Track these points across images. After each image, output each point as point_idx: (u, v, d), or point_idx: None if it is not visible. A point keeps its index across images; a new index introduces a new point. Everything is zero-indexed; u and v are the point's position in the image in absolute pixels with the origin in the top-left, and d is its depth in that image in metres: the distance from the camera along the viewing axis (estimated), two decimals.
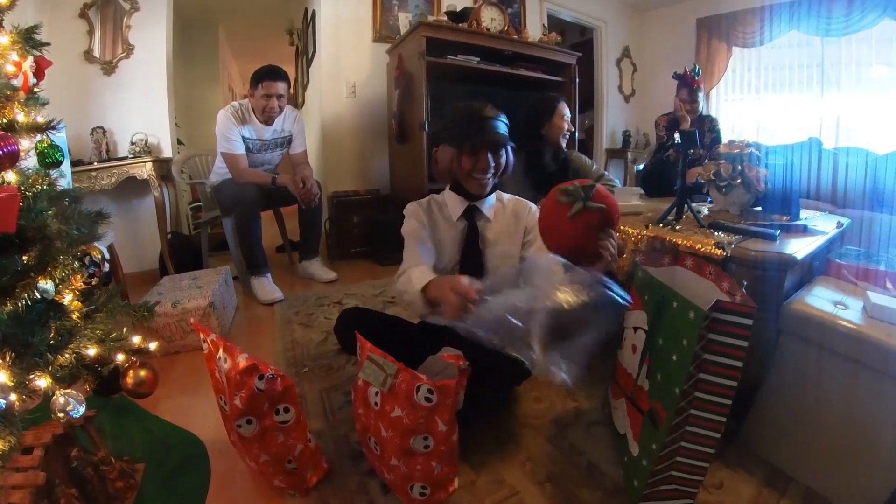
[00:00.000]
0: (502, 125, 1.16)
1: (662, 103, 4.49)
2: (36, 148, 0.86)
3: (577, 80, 3.20)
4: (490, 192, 1.23)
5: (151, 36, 2.70)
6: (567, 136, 2.07)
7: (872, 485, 0.89)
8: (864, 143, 3.51)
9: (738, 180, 1.50)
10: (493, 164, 1.14)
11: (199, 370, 1.52)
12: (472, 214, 1.22)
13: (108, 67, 2.63)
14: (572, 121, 3.16)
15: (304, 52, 4.16)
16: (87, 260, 0.88)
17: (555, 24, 4.31)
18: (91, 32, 2.58)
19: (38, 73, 0.99)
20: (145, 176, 2.50)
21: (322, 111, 3.08)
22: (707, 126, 2.52)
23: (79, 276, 0.83)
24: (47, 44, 0.92)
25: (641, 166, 3.01)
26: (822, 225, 1.51)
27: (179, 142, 3.26)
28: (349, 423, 1.19)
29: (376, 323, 1.27)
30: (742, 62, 4.09)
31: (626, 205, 1.38)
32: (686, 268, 1.09)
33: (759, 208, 1.56)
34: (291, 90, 3.23)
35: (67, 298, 0.81)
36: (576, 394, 1.39)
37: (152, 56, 2.71)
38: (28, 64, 0.94)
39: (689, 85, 2.46)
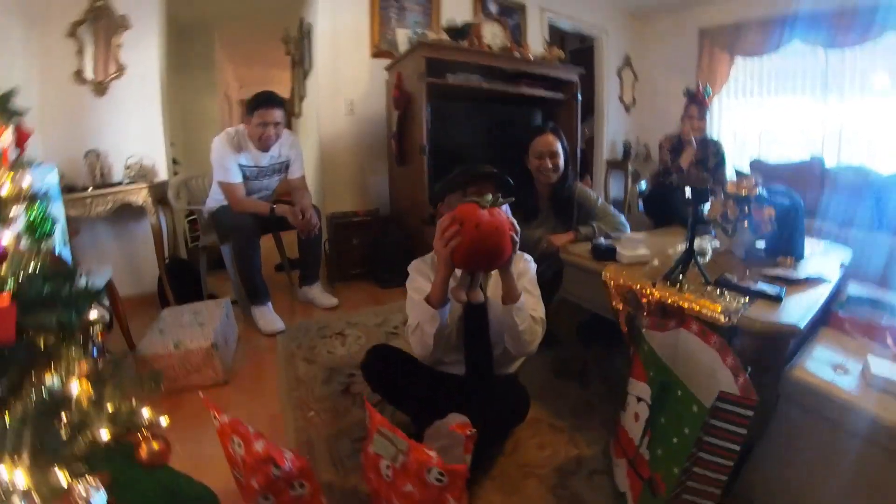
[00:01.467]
0: (503, 179, 1.21)
1: (664, 113, 4.48)
2: (27, 214, 0.84)
3: (580, 98, 3.16)
4: None
5: (143, 54, 2.63)
6: (554, 174, 1.80)
7: None
8: (866, 153, 3.51)
9: (745, 223, 1.48)
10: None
11: (205, 412, 1.52)
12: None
13: (100, 88, 2.56)
14: (572, 138, 3.16)
15: (301, 63, 4.11)
16: (90, 343, 0.86)
17: (555, 32, 4.27)
18: (81, 52, 2.50)
19: (20, 142, 0.96)
20: (141, 203, 2.44)
21: (320, 129, 3.05)
22: (711, 150, 2.50)
23: (84, 364, 0.81)
24: (23, 113, 0.90)
25: (644, 185, 2.99)
26: (827, 266, 1.50)
27: (175, 161, 3.22)
28: (358, 473, 1.18)
29: (405, 366, 1.29)
30: (744, 70, 4.05)
31: (631, 255, 1.36)
32: (691, 332, 1.08)
33: (763, 245, 1.55)
34: (289, 98, 3.13)
35: (75, 388, 0.79)
36: (578, 440, 1.39)
37: (145, 75, 2.65)
38: (7, 137, 0.91)
39: (699, 103, 2.44)
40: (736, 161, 3.98)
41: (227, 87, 6.56)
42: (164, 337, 1.70)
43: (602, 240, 1.46)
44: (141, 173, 2.55)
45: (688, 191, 1.20)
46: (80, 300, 0.84)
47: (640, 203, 2.85)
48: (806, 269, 1.40)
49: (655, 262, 1.44)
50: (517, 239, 1.04)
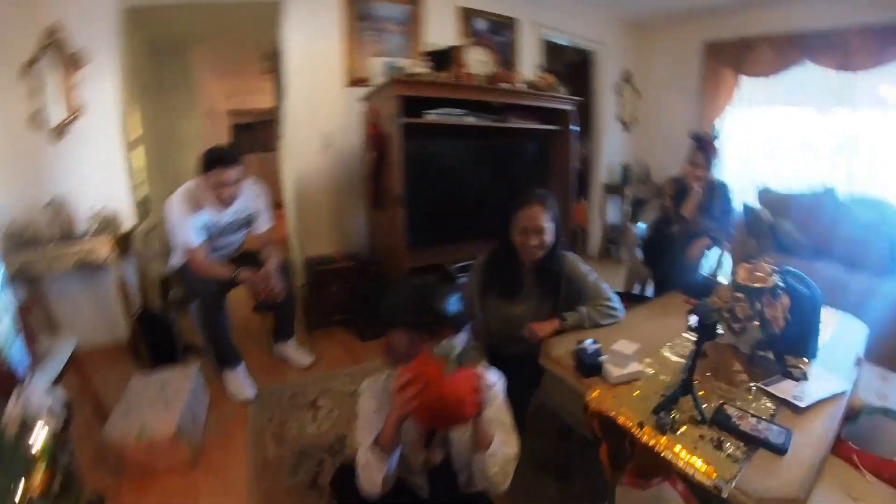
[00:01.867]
0: (458, 306, 1.01)
1: (665, 134, 4.25)
2: None
3: (576, 128, 2.94)
4: None
5: (103, 92, 2.45)
6: (541, 248, 1.53)
7: None
8: (880, 177, 3.27)
9: (756, 322, 1.28)
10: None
11: (176, 494, 1.51)
12: None
13: (58, 132, 2.38)
14: (566, 172, 2.92)
15: (279, 83, 3.90)
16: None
17: (549, 45, 4.03)
18: (35, 94, 2.31)
19: None
20: (103, 258, 2.27)
21: (295, 166, 2.85)
22: (717, 194, 2.29)
23: None
24: None
25: (642, 227, 2.77)
26: (840, 367, 1.32)
27: (143, 201, 3.03)
28: None
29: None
30: (750, 83, 3.79)
31: (620, 374, 1.16)
32: (676, 490, 0.90)
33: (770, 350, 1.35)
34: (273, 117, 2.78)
35: None
36: None
37: (104, 115, 2.46)
38: None
39: (704, 149, 2.23)
40: (739, 180, 3.76)
41: (213, 101, 6.37)
42: (129, 419, 1.64)
43: (588, 345, 1.25)
44: (104, 223, 2.39)
45: (693, 319, 1.02)
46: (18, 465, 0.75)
47: (639, 249, 2.64)
48: (817, 383, 1.21)
49: (649, 372, 1.24)
50: (485, 398, 0.91)
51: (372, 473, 0.94)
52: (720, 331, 1.45)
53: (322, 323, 2.75)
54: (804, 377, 1.25)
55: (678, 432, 1.00)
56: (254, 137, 8.12)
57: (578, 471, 1.52)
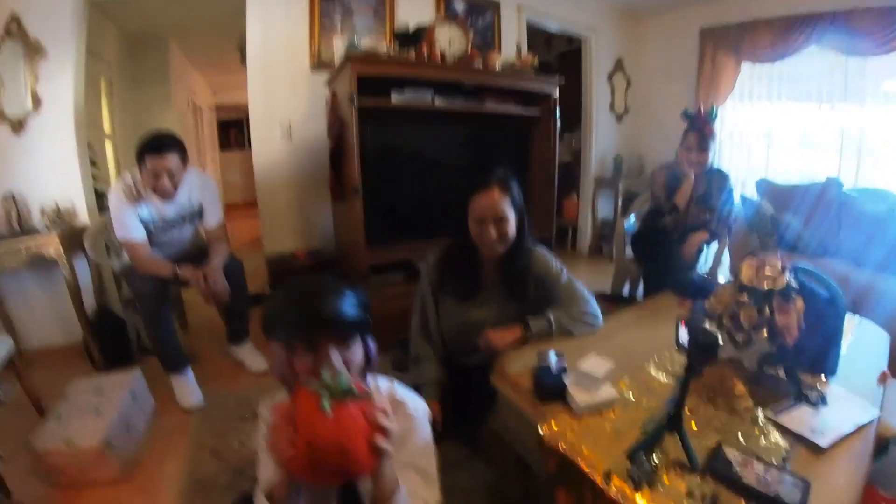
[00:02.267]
0: (349, 304, 0.74)
1: (658, 125, 3.98)
2: None
3: (558, 113, 2.68)
4: None
5: (61, 85, 2.32)
6: (502, 241, 1.27)
7: None
8: (889, 168, 3.01)
9: (764, 331, 1.02)
10: (340, 365, 0.72)
11: None
12: None
13: (17, 126, 2.26)
14: (548, 162, 2.67)
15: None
16: None
17: (538, 33, 3.78)
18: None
19: None
20: (52, 255, 2.13)
21: (254, 157, 2.61)
22: (716, 184, 2.03)
23: None
24: None
25: (633, 219, 2.51)
26: (863, 386, 1.07)
27: (103, 195, 2.82)
28: None
29: None
30: (751, 71, 3.54)
31: (588, 402, 0.89)
32: None
33: (780, 365, 1.09)
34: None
35: None
36: None
37: (62, 109, 2.33)
38: None
39: (699, 129, 1.96)
40: (739, 173, 3.53)
41: (194, 95, 6.16)
42: (60, 425, 1.55)
43: (553, 362, 0.99)
44: (56, 219, 2.25)
45: (683, 332, 0.76)
46: None
47: (628, 245, 2.38)
48: (839, 411, 0.96)
49: (627, 395, 0.98)
50: (386, 444, 0.62)
51: None
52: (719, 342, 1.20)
53: None
54: (823, 402, 1.00)
55: (658, 487, 0.74)
56: (240, 134, 7.91)
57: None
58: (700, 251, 2.06)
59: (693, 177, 1.99)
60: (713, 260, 2.27)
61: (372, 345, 0.79)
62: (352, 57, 1.98)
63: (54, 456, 1.47)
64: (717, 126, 2.06)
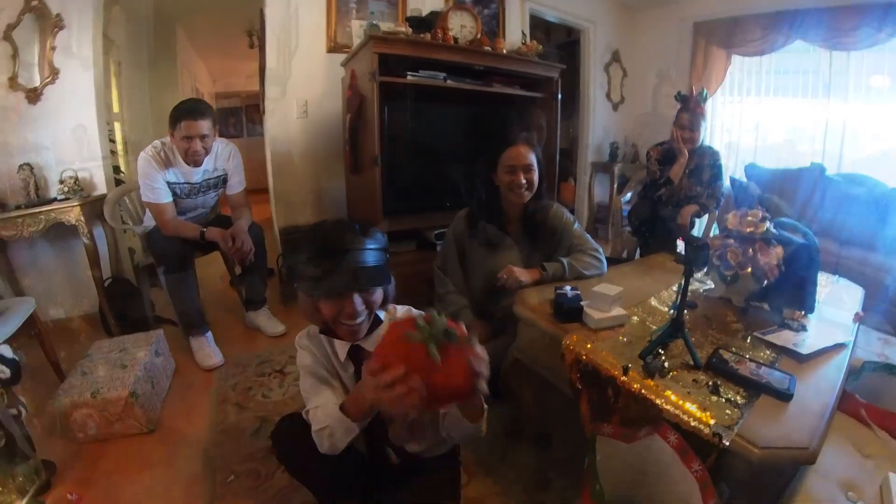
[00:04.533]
0: (371, 254, 0.84)
1: (653, 113, 4.18)
2: None
3: (560, 96, 2.84)
4: (374, 324, 0.94)
5: (79, 57, 2.38)
6: (528, 192, 1.49)
7: None
8: (871, 159, 3.22)
9: (748, 268, 1.18)
10: (362, 307, 0.85)
11: (130, 460, 1.45)
12: (357, 355, 0.95)
13: (33, 95, 2.30)
14: (551, 141, 2.83)
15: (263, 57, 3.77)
16: None
17: (539, 23, 3.93)
18: (16, 56, 2.24)
19: None
20: (73, 222, 2.20)
21: (270, 134, 2.72)
22: (707, 160, 2.20)
23: None
24: None
25: (628, 196, 2.68)
26: (840, 321, 1.23)
27: (119, 170, 2.90)
28: None
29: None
30: (741, 66, 3.75)
31: (602, 318, 1.05)
32: (667, 442, 0.79)
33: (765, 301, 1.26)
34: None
35: None
36: None
37: (80, 79, 2.39)
38: None
39: (692, 110, 2.13)
40: (729, 164, 3.72)
41: (196, 81, 6.19)
42: (86, 380, 1.60)
43: (568, 290, 1.15)
44: (75, 188, 2.31)
45: (681, 245, 0.91)
46: None
47: (625, 220, 2.55)
48: (818, 334, 1.12)
49: (634, 320, 1.14)
50: (483, 386, 0.71)
51: (336, 441, 0.84)
52: (711, 284, 1.37)
53: (296, 295, 2.62)
54: (803, 328, 1.16)
55: (669, 377, 0.90)
56: (238, 123, 7.95)
57: (558, 440, 1.41)
58: (692, 223, 2.23)
59: (687, 153, 2.16)
60: (703, 232, 2.45)
61: (390, 283, 0.90)
62: (374, 36, 2.10)
63: (80, 409, 1.49)
64: (708, 107, 2.24)
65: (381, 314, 0.96)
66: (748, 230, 1.19)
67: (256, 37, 4.35)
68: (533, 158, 1.48)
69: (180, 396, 1.83)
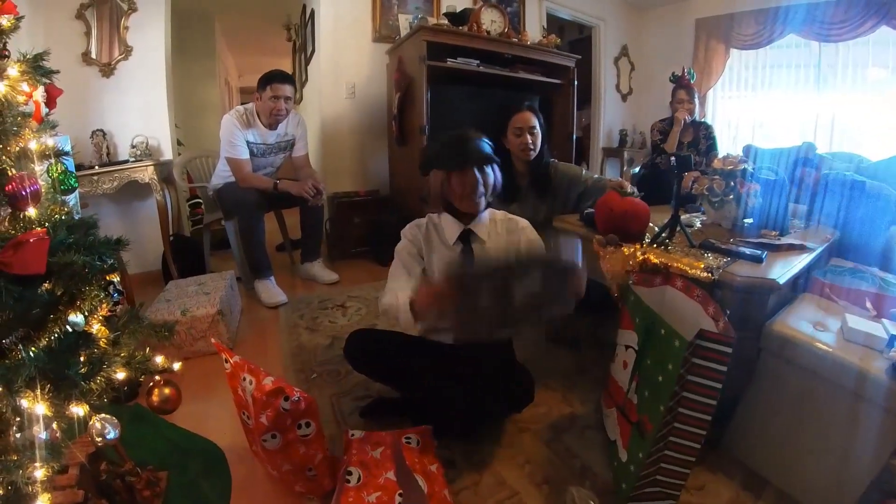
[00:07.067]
0: (486, 145, 1.20)
1: (659, 103, 4.53)
2: (48, 172, 0.88)
3: (576, 83, 3.23)
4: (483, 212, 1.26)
5: (149, 37, 2.69)
6: (533, 150, 1.79)
7: (842, 491, 0.97)
8: (858, 144, 3.57)
9: (731, 196, 1.56)
10: (481, 182, 1.16)
11: (210, 376, 1.57)
12: (467, 238, 1.23)
13: (107, 70, 2.61)
14: (567, 122, 3.22)
15: (303, 49, 4.15)
16: (111, 289, 0.91)
17: (553, 21, 4.32)
18: (88, 34, 2.55)
19: (50, 101, 1.01)
20: (147, 180, 2.51)
21: (322, 112, 3.10)
22: (702, 132, 2.58)
23: (105, 306, 0.87)
24: (56, 71, 0.94)
25: (637, 169, 3.07)
26: (812, 239, 1.56)
27: (179, 142, 3.28)
28: (359, 427, 1.26)
29: (386, 345, 1.29)
30: (740, 61, 4.12)
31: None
32: (676, 288, 1.16)
33: (750, 220, 1.63)
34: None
35: (95, 328, 0.85)
36: (571, 399, 1.47)
37: (151, 58, 2.70)
38: (39, 93, 0.97)
39: (686, 86, 2.51)
40: (728, 149, 4.08)
41: (228, 73, 6.58)
42: (171, 305, 1.76)
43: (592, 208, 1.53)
44: (146, 152, 2.60)
45: (672, 159, 1.28)
46: (102, 247, 0.89)
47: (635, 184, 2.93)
48: (789, 239, 1.47)
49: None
50: None
51: (400, 325, 1.04)
52: (704, 218, 1.74)
53: (344, 255, 3.00)
54: (777, 240, 1.53)
55: (671, 250, 1.27)
56: None
57: (590, 345, 1.78)
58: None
59: (682, 122, 2.53)
60: (696, 187, 2.83)
61: (497, 172, 1.24)
62: (423, 27, 2.50)
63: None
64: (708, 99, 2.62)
65: (485, 217, 1.25)
66: (729, 167, 1.57)
67: (294, 31, 4.70)
68: (536, 122, 1.78)
69: (252, 327, 2.04)
